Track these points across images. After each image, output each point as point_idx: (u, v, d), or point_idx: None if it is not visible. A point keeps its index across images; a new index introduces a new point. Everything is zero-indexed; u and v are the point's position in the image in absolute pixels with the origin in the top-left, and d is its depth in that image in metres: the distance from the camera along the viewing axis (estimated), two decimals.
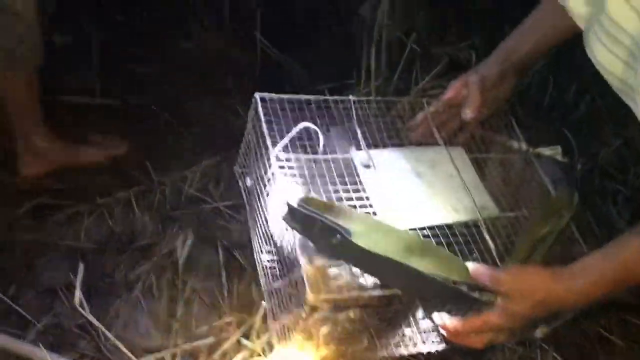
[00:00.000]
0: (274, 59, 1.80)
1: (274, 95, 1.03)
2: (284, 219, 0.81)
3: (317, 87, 1.65)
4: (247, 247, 1.29)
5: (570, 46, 1.01)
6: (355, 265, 0.81)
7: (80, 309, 1.10)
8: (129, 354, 1.10)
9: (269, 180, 0.98)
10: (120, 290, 1.24)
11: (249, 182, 1.11)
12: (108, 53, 1.75)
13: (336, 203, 0.86)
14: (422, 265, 0.77)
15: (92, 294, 1.20)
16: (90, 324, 1.11)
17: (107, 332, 1.10)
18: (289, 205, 0.79)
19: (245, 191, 1.14)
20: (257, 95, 1.01)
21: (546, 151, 1.12)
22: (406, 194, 0.99)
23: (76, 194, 1.42)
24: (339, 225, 0.75)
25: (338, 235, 0.74)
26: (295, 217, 0.78)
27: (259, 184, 1.03)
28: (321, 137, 1.00)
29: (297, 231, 0.80)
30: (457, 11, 1.93)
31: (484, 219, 0.97)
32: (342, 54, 1.76)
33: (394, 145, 1.10)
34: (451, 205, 0.99)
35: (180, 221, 1.37)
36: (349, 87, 1.59)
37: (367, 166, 1.01)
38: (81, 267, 1.13)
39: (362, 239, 0.76)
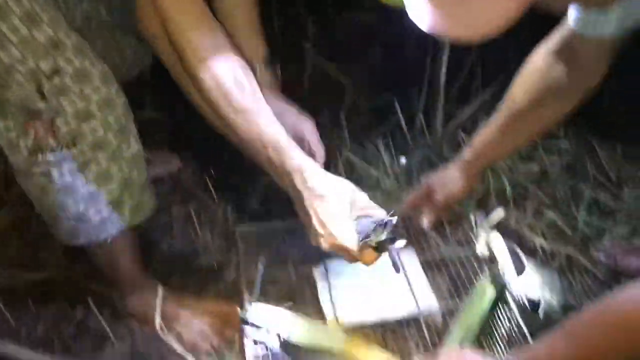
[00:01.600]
0: (324, 71, 1.76)
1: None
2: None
3: (369, 104, 1.65)
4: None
5: None
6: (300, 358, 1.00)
7: (160, 332, 1.07)
8: None
9: None
10: None
11: None
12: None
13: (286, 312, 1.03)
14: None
15: None
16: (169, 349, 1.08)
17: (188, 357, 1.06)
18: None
19: None
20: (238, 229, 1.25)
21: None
22: (355, 295, 1.14)
23: None
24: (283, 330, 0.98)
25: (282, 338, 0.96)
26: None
27: None
28: None
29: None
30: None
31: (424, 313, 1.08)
32: (394, 68, 1.73)
33: None
34: (396, 302, 1.11)
35: (246, 238, 1.33)
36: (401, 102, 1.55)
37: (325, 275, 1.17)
38: (160, 291, 1.09)
39: (302, 338, 0.97)
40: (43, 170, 0.97)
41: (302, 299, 1.16)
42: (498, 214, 1.15)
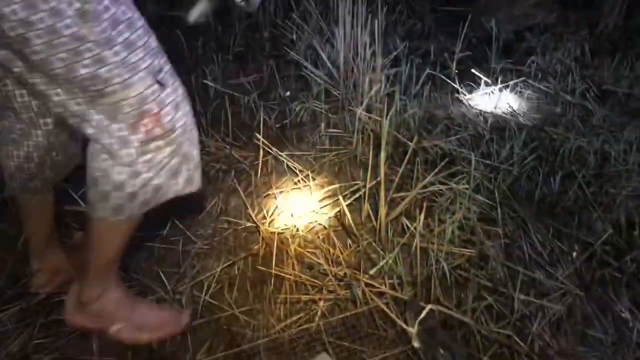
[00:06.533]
0: None
1: None
2: None
3: None
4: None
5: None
6: None
7: None
8: None
9: None
10: None
11: None
12: None
13: None
14: None
15: None
16: None
17: None
18: None
19: None
20: None
21: None
22: None
23: None
24: None
25: None
26: None
27: None
28: None
29: None
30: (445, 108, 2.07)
31: None
32: None
33: None
34: None
35: (199, 331, 1.37)
36: None
37: None
38: None
39: None
40: (147, 158, 1.06)
41: None
42: None
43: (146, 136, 1.04)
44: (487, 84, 2.31)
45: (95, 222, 1.15)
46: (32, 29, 0.89)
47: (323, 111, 2.07)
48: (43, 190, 1.32)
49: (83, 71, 0.95)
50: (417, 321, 1.16)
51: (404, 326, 1.21)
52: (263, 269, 1.52)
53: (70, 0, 0.91)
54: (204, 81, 2.17)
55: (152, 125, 1.04)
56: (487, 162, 1.86)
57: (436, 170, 1.71)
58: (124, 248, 1.22)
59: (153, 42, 1.03)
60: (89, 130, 1.03)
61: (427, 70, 2.17)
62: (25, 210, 1.34)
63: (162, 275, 1.48)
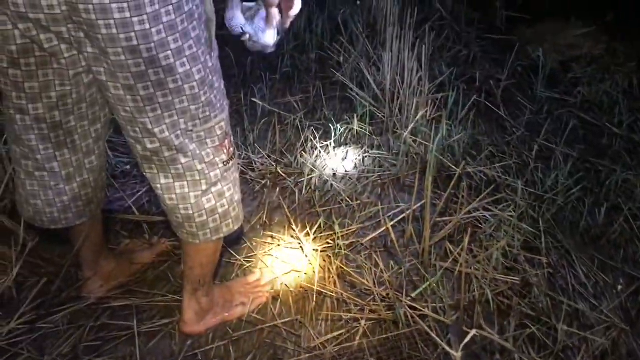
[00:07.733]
0: None
1: None
2: None
3: None
4: None
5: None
6: None
7: None
8: None
9: None
10: None
11: None
12: None
13: None
14: None
15: None
16: None
17: None
18: None
19: None
20: None
21: None
22: None
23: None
24: None
25: None
26: None
27: None
28: None
29: None
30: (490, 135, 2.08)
31: None
32: None
33: None
34: None
35: (242, 343, 1.40)
36: None
37: None
38: None
39: None
40: (226, 175, 1.17)
41: None
42: None
43: (227, 156, 1.15)
44: (532, 112, 2.31)
45: (202, 246, 1.26)
46: (180, 57, 0.96)
47: (367, 133, 2.10)
48: (96, 213, 1.33)
49: (203, 98, 1.04)
50: (461, 345, 1.16)
51: (448, 349, 1.21)
52: (306, 284, 1.54)
53: (203, 28, 1.00)
54: (252, 99, 2.22)
55: (228, 145, 1.15)
56: (532, 190, 1.86)
57: (481, 196, 1.71)
58: None
59: None
60: (183, 160, 1.10)
61: (474, 97, 2.18)
62: (71, 230, 1.35)
63: None
